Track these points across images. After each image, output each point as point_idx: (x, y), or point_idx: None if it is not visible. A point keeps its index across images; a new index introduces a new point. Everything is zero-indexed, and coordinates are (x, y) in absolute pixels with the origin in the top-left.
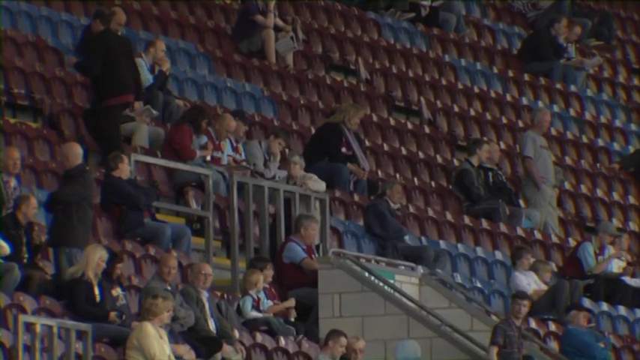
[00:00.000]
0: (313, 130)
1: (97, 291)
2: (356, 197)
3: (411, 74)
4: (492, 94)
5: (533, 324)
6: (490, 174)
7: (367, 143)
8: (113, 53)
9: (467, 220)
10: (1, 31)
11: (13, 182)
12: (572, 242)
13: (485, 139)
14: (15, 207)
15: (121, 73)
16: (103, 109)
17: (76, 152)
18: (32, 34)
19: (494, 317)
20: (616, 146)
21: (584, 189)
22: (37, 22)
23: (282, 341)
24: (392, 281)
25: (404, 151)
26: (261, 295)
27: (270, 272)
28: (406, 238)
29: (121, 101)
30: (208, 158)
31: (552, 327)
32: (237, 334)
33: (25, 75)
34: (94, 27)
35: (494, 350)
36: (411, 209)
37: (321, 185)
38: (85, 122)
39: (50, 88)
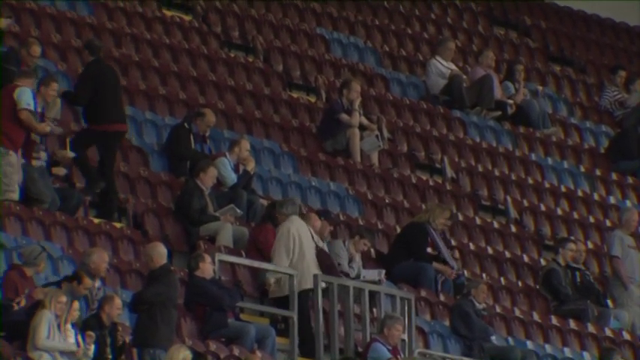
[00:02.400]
0: (398, 230)
1: None
2: (442, 297)
3: (497, 173)
4: (579, 193)
5: None
6: (577, 274)
7: (453, 242)
8: (102, 83)
9: (554, 320)
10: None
11: (97, 283)
12: None
13: (572, 238)
14: (99, 307)
15: (111, 102)
16: (94, 133)
17: (160, 252)
18: None
19: None
20: None
21: None
22: None
23: None
24: None
25: (490, 251)
26: None
27: None
28: (492, 338)
29: (113, 129)
30: None
31: None
32: None
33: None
34: (84, 58)
35: None
36: (498, 309)
37: (375, 273)
38: (75, 149)
39: (134, 188)
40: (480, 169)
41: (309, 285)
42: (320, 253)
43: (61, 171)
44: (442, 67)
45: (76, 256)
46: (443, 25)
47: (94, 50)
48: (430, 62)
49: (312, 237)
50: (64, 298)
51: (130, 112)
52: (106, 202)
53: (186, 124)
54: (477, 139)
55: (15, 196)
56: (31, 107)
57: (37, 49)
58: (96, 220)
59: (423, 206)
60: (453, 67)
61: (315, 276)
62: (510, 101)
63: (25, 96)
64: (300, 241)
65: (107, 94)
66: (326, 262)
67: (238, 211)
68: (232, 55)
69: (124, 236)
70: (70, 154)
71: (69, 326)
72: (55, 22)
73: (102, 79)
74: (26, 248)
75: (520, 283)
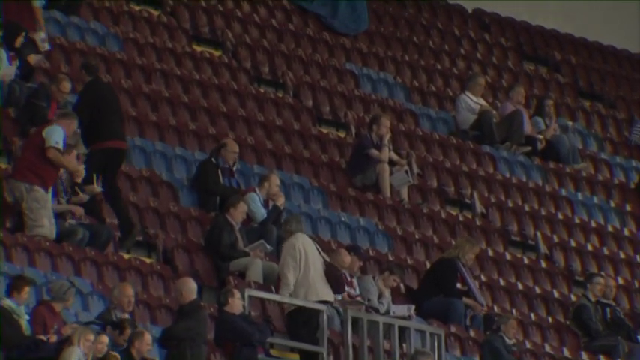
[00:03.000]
0: (428, 265)
1: None
2: (472, 332)
3: (527, 208)
4: (609, 229)
5: None
6: (608, 309)
7: (483, 278)
8: (100, 102)
9: (585, 356)
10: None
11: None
12: None
13: (602, 273)
14: (129, 343)
15: (109, 121)
16: (94, 152)
17: (190, 287)
18: (146, 170)
19: None
20: None
21: None
22: (151, 157)
23: None
24: None
25: (520, 286)
26: None
27: None
28: None
29: (113, 145)
30: None
31: None
32: None
33: (140, 210)
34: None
35: None
36: (528, 345)
37: (404, 308)
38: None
39: (164, 224)
40: (510, 204)
41: (313, 297)
42: (329, 268)
43: (78, 211)
44: (472, 102)
45: (106, 292)
46: (472, 61)
47: (91, 70)
48: (460, 98)
49: (320, 252)
50: (92, 336)
51: (160, 148)
52: (122, 227)
53: (213, 159)
54: (507, 175)
55: (43, 231)
56: (60, 146)
57: (67, 85)
58: (126, 256)
59: (453, 242)
60: (483, 102)
61: (345, 310)
62: (540, 137)
63: (54, 134)
64: (305, 255)
65: (106, 113)
66: (334, 275)
67: (268, 246)
68: (262, 90)
69: (154, 271)
70: (98, 189)
71: None
72: (85, 58)
73: (99, 98)
74: (55, 283)
75: (550, 319)
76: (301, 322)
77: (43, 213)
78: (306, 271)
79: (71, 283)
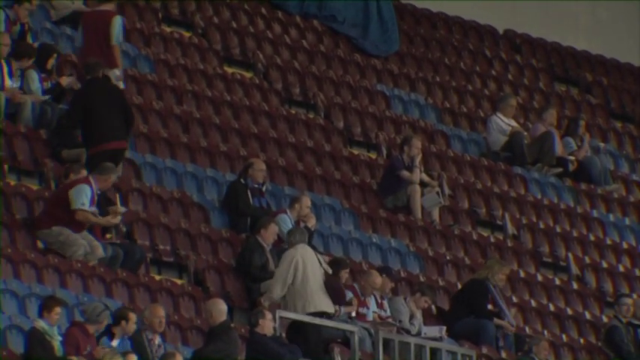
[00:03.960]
0: (459, 286)
1: None
2: (503, 354)
3: (558, 229)
4: None
5: None
6: (639, 331)
7: (514, 299)
8: (95, 101)
9: None
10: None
11: (157, 339)
12: None
13: (635, 295)
14: None
15: (106, 120)
16: (93, 155)
17: (220, 309)
18: (177, 191)
19: None
20: None
21: None
22: (182, 178)
23: None
24: None
25: (552, 307)
26: None
27: None
28: None
29: (114, 147)
30: (353, 314)
31: None
32: None
33: (171, 232)
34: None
35: None
36: None
37: (436, 330)
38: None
39: (195, 245)
40: (542, 225)
41: (312, 309)
42: (328, 279)
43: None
44: (503, 123)
45: (138, 313)
46: (504, 82)
47: (89, 69)
48: (491, 119)
49: (321, 263)
50: (120, 359)
51: (191, 169)
52: None
53: (242, 180)
54: (539, 196)
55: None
56: (86, 207)
57: None
58: (157, 277)
59: (484, 263)
60: (514, 123)
61: (377, 332)
62: (571, 158)
63: (80, 196)
64: (304, 266)
65: (101, 113)
66: (334, 287)
67: None
68: (293, 111)
69: (185, 293)
70: (122, 209)
71: None
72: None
73: (94, 97)
74: (89, 305)
75: (582, 340)
76: (300, 335)
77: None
78: (304, 282)
79: (105, 305)
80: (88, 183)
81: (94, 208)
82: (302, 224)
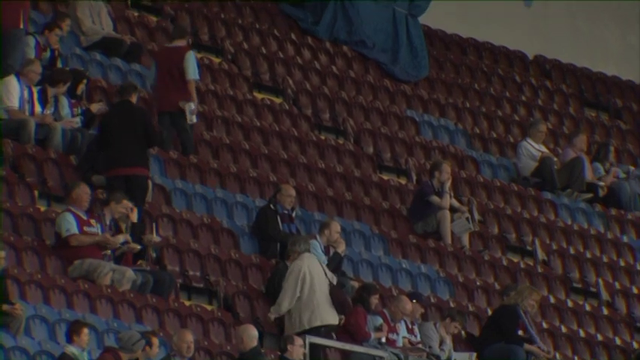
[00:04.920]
0: (489, 312)
1: None
2: None
3: (588, 255)
4: None
5: None
6: None
7: (544, 325)
8: (117, 125)
9: None
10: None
11: None
12: None
13: None
14: None
15: (122, 145)
16: (112, 179)
17: (251, 334)
18: (207, 216)
19: None
20: None
21: None
22: (212, 203)
23: None
24: None
25: (582, 333)
26: None
27: None
28: None
29: (123, 172)
30: (383, 340)
31: None
32: None
33: (200, 257)
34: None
35: None
36: None
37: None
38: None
39: (225, 270)
40: (572, 251)
41: (318, 322)
42: (333, 290)
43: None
44: (533, 149)
45: (167, 339)
46: (534, 107)
47: (122, 91)
48: (521, 144)
49: (326, 274)
50: None
51: (221, 195)
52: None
53: (271, 205)
54: (568, 221)
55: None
56: (71, 232)
57: None
58: (187, 302)
59: (510, 285)
60: (544, 149)
61: (406, 357)
62: (601, 183)
63: (61, 224)
64: (311, 277)
65: (118, 137)
66: (339, 299)
67: None
68: (323, 137)
69: (215, 318)
70: (157, 239)
71: None
72: (146, 104)
73: (113, 120)
74: (125, 333)
75: None
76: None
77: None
78: (310, 294)
79: (142, 335)
80: (68, 210)
81: (94, 229)
82: (332, 250)
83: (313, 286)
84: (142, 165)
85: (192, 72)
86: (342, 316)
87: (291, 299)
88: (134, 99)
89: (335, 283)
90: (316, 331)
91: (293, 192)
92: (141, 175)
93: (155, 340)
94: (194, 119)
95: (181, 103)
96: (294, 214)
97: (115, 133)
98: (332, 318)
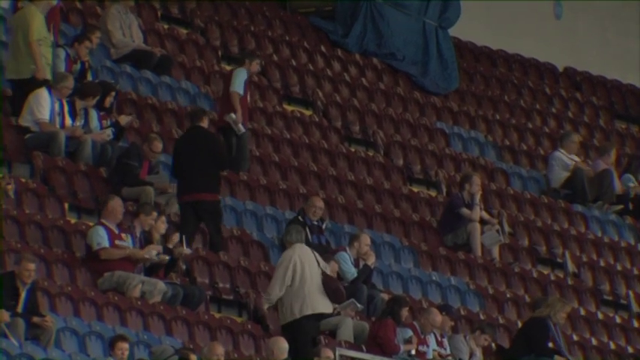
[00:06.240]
0: (520, 324)
1: None
2: None
3: (619, 267)
4: None
5: None
6: None
7: (575, 337)
8: (189, 151)
9: None
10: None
11: None
12: None
13: None
14: None
15: (197, 171)
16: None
17: (281, 347)
18: (237, 229)
19: None
20: None
21: None
22: (241, 216)
23: None
24: None
25: (612, 346)
26: None
27: None
28: None
29: (201, 198)
30: (413, 352)
31: None
32: None
33: (230, 269)
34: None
35: None
36: None
37: None
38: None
39: (255, 283)
40: (602, 263)
41: (310, 311)
42: (326, 278)
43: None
44: (566, 158)
45: (198, 351)
46: (564, 120)
47: (192, 116)
48: (554, 155)
49: (319, 263)
50: None
51: (251, 207)
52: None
53: (300, 217)
54: (599, 234)
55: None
56: (102, 245)
57: (158, 145)
58: (217, 315)
59: (540, 298)
60: (577, 159)
61: None
62: (631, 194)
63: (93, 237)
64: (301, 266)
65: (188, 163)
66: (331, 287)
67: (359, 305)
68: (353, 149)
69: (245, 331)
70: (187, 251)
71: None
72: (176, 117)
73: (188, 146)
74: (158, 348)
75: None
76: (298, 337)
77: (130, 274)
78: (301, 283)
79: (175, 350)
80: (100, 224)
81: (125, 243)
82: (361, 262)
83: (304, 275)
84: (210, 190)
85: (236, 85)
86: (337, 305)
87: (281, 287)
88: (205, 123)
89: (328, 272)
90: (307, 319)
91: (320, 203)
92: (210, 201)
93: (193, 357)
94: (241, 128)
95: (225, 116)
96: (324, 226)
97: (185, 159)
98: (324, 307)
